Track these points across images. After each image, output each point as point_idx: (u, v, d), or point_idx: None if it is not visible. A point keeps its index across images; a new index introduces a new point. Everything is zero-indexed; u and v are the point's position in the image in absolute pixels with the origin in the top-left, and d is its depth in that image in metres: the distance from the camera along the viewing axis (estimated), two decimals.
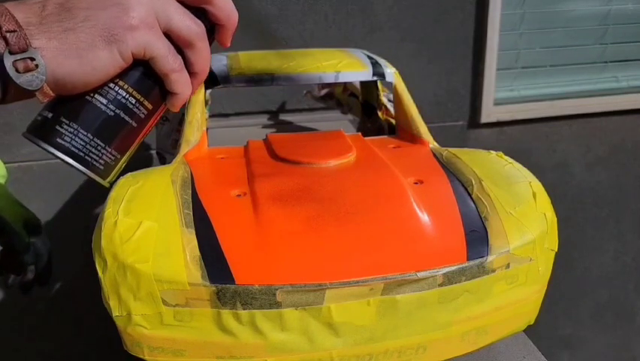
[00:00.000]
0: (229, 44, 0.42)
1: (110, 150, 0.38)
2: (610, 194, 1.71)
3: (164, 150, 0.87)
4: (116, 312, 0.43)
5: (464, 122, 1.51)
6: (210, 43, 0.41)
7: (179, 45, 0.38)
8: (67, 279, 1.38)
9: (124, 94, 0.38)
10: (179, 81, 0.39)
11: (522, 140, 1.57)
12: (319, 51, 0.77)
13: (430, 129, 0.69)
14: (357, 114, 0.97)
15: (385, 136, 0.74)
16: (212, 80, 0.69)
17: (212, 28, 0.41)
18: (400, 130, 0.72)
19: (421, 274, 0.44)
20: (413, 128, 0.68)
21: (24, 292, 0.73)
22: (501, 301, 0.48)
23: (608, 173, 1.68)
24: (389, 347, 0.45)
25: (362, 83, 0.90)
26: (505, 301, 0.48)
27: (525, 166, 0.57)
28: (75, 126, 0.37)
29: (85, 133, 0.37)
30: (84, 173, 0.38)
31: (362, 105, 0.91)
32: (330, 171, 0.57)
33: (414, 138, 0.68)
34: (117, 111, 0.38)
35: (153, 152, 1.31)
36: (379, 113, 0.84)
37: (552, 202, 0.53)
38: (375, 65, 0.73)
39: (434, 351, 0.47)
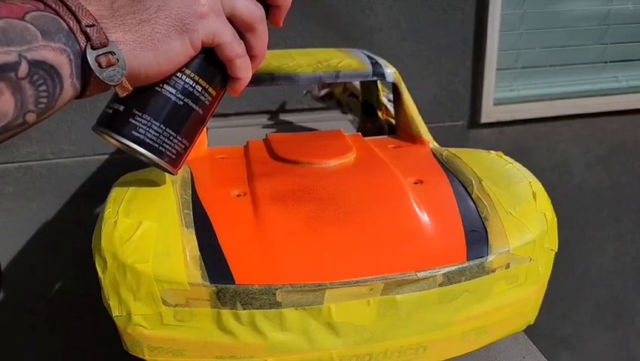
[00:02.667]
0: (282, 25, 0.43)
1: (180, 138, 0.39)
2: (610, 194, 1.71)
3: None
4: (116, 312, 0.43)
5: (464, 122, 1.51)
6: None
7: (241, 29, 0.38)
8: (67, 278, 1.38)
9: (191, 82, 0.38)
10: (243, 66, 0.39)
11: (522, 140, 1.57)
12: (319, 51, 0.77)
13: (430, 129, 0.69)
14: (357, 114, 0.97)
15: (385, 136, 0.74)
16: None
17: (267, 9, 0.41)
18: (399, 130, 0.72)
19: (421, 274, 0.44)
20: (413, 128, 0.68)
21: None
22: (501, 301, 0.48)
23: (608, 173, 1.68)
24: (389, 347, 0.45)
25: (362, 83, 0.90)
26: (505, 301, 0.48)
27: (525, 166, 0.57)
28: (148, 118, 0.37)
29: (158, 124, 0.37)
30: (157, 164, 0.38)
31: (362, 105, 0.91)
32: (330, 171, 0.57)
33: (414, 138, 0.68)
34: (186, 100, 0.38)
35: None
36: (379, 113, 0.84)
37: (552, 202, 0.53)
38: (375, 65, 0.73)
39: (434, 351, 0.47)
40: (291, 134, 0.70)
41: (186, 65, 0.38)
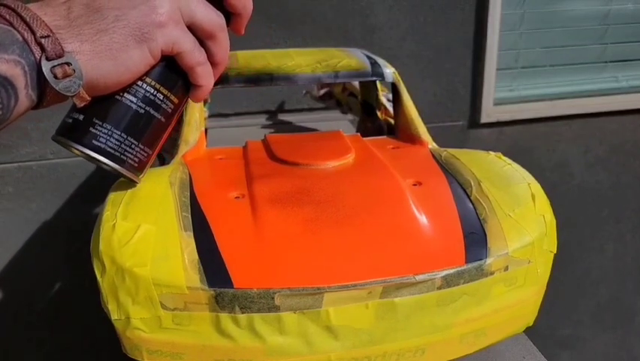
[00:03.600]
0: (243, 32, 0.43)
1: (142, 146, 0.39)
2: (610, 194, 1.71)
3: (163, 150, 0.87)
4: (114, 315, 0.43)
5: (464, 122, 1.51)
6: None
7: (202, 37, 0.39)
8: (67, 279, 1.38)
9: (152, 90, 0.38)
10: (204, 74, 0.39)
11: (522, 140, 1.57)
12: (318, 51, 0.77)
13: (430, 129, 0.69)
14: (356, 114, 0.97)
15: (384, 136, 0.74)
16: None
17: (227, 17, 0.41)
18: (399, 130, 0.72)
19: (419, 277, 0.43)
20: (412, 128, 0.68)
21: None
22: (500, 304, 0.48)
23: (608, 173, 1.68)
24: (388, 350, 0.45)
25: (361, 83, 0.90)
26: (503, 304, 0.48)
27: (525, 166, 0.57)
28: (108, 127, 0.37)
29: (119, 133, 0.37)
30: (119, 172, 0.39)
31: (361, 105, 0.91)
32: (329, 173, 0.57)
33: (413, 139, 0.68)
34: (147, 108, 0.38)
35: None
36: (378, 114, 0.84)
37: (552, 203, 0.53)
38: (374, 64, 0.73)
39: (433, 354, 0.47)
40: (289, 134, 0.69)
41: (147, 74, 0.38)
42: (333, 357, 0.44)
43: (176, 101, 0.40)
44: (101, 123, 0.37)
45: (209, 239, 0.45)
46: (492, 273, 0.46)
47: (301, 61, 0.72)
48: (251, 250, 0.44)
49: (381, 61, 0.75)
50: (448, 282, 0.44)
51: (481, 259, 0.46)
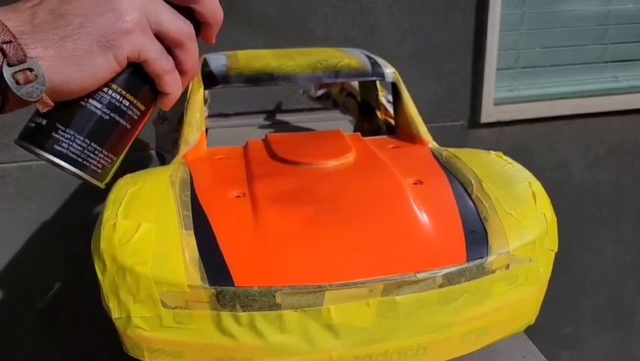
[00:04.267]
0: (214, 42, 0.43)
1: (106, 152, 0.39)
2: (610, 194, 1.71)
3: (163, 149, 0.87)
4: (115, 314, 0.43)
5: (464, 122, 1.51)
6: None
7: (170, 46, 0.39)
8: (67, 278, 1.38)
9: (117, 97, 0.38)
10: (171, 82, 0.39)
11: (522, 140, 1.57)
12: (318, 50, 0.77)
13: (430, 129, 0.69)
14: (353, 115, 0.97)
15: (385, 136, 0.74)
16: (211, 80, 0.69)
17: (198, 25, 0.41)
18: (399, 130, 0.72)
19: (420, 275, 0.43)
20: (412, 128, 0.68)
21: None
22: (501, 302, 0.48)
23: (608, 173, 1.68)
24: (389, 349, 0.45)
25: (361, 83, 0.90)
26: (505, 302, 0.48)
27: (525, 166, 0.57)
28: (71, 132, 0.37)
29: (81, 138, 0.37)
30: (82, 177, 0.38)
31: (360, 105, 0.90)
32: (330, 172, 0.57)
33: (413, 138, 0.68)
34: (112, 115, 0.38)
35: (153, 152, 1.31)
36: (378, 114, 0.83)
37: (552, 202, 0.53)
38: (374, 64, 0.73)
39: (434, 352, 0.47)
40: (290, 134, 0.69)
41: (113, 80, 0.38)
42: (335, 356, 0.44)
43: (142, 107, 0.40)
44: (63, 128, 0.37)
45: (209, 238, 0.45)
46: (493, 271, 0.46)
47: (301, 61, 0.72)
48: (252, 249, 0.44)
49: (381, 61, 0.75)
50: (449, 280, 0.44)
51: (482, 258, 0.46)
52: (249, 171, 0.57)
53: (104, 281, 0.43)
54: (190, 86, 0.68)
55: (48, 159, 0.37)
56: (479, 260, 0.45)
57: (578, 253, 1.73)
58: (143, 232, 0.44)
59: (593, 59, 1.59)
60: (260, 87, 1.31)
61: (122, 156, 0.41)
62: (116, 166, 0.40)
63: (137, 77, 0.39)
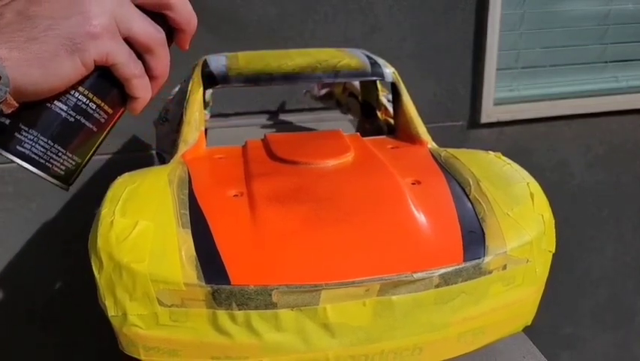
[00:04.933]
0: (188, 48, 0.43)
1: (70, 155, 0.39)
2: (610, 194, 1.70)
3: (164, 150, 0.87)
4: (111, 312, 0.43)
5: (464, 122, 1.51)
6: (169, 47, 0.41)
7: (140, 51, 0.39)
8: (67, 278, 1.39)
9: (84, 100, 0.38)
10: (140, 86, 0.39)
11: (522, 140, 1.57)
12: (318, 51, 0.77)
13: (430, 129, 0.69)
14: (356, 114, 0.97)
15: (384, 136, 0.74)
16: (212, 81, 0.69)
17: (171, 31, 0.42)
18: (398, 130, 0.72)
19: (417, 275, 0.43)
20: (412, 128, 0.68)
21: None
22: (498, 303, 0.48)
23: (608, 173, 1.68)
24: (385, 348, 0.45)
25: (361, 83, 0.90)
26: (502, 303, 0.48)
27: (525, 166, 0.57)
28: (35, 133, 0.37)
29: (45, 140, 0.37)
30: (44, 179, 0.38)
31: (361, 105, 0.91)
32: (328, 171, 0.57)
33: (412, 138, 0.68)
34: (77, 117, 0.38)
35: (153, 152, 1.31)
36: (378, 114, 0.84)
37: (551, 202, 0.53)
38: (374, 64, 0.73)
39: (430, 352, 0.47)
40: (289, 133, 0.70)
41: (81, 83, 0.38)
42: (331, 355, 0.44)
43: (110, 111, 0.40)
44: (27, 129, 0.37)
45: (206, 236, 0.45)
46: (490, 272, 0.46)
47: (301, 61, 0.72)
48: (248, 247, 0.44)
49: (381, 61, 0.75)
50: (446, 280, 0.44)
51: (479, 258, 0.46)
52: (247, 170, 0.57)
53: (101, 279, 0.43)
54: (190, 85, 0.68)
55: (10, 158, 0.37)
56: (476, 260, 0.45)
57: (578, 253, 1.73)
58: (140, 229, 0.44)
59: (593, 59, 1.59)
60: (260, 87, 1.31)
61: (87, 159, 0.41)
62: (81, 168, 0.40)
63: (106, 80, 0.39)
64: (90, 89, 0.38)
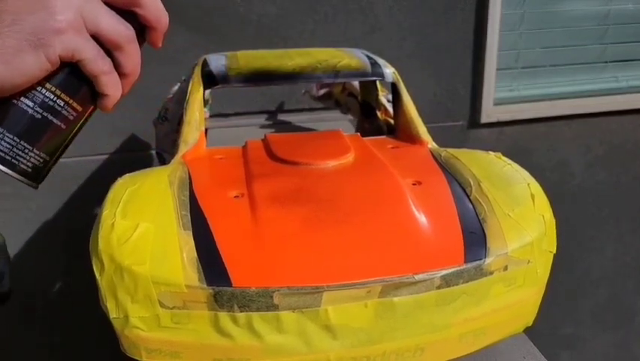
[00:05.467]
0: (160, 45, 0.43)
1: (37, 152, 0.38)
2: (610, 194, 1.70)
3: (163, 150, 0.87)
4: (113, 314, 0.43)
5: (464, 122, 1.51)
6: (141, 45, 0.41)
7: (109, 48, 0.39)
8: (67, 278, 1.38)
9: (51, 96, 0.38)
10: (109, 83, 0.39)
11: (522, 140, 1.57)
12: (318, 50, 0.77)
13: (430, 129, 0.69)
14: (355, 114, 0.97)
15: (384, 136, 0.74)
16: (211, 80, 0.69)
17: (143, 29, 0.41)
18: (398, 130, 0.72)
19: (418, 277, 0.43)
20: (412, 128, 0.68)
21: None
22: (499, 304, 0.48)
23: (608, 173, 1.68)
24: (387, 349, 0.45)
25: (361, 83, 0.90)
26: (503, 304, 0.48)
27: (525, 166, 0.57)
28: (0, 130, 0.37)
29: (11, 136, 0.37)
30: (12, 177, 0.38)
31: (361, 105, 0.90)
32: (328, 172, 0.57)
33: (413, 139, 0.68)
34: (45, 114, 0.38)
35: (153, 152, 1.31)
36: (378, 114, 0.83)
37: (552, 202, 0.53)
38: (374, 64, 0.73)
39: (432, 353, 0.47)
40: (289, 134, 0.70)
41: (48, 79, 0.37)
42: (332, 356, 0.44)
43: (79, 108, 0.39)
44: None
45: (208, 238, 0.45)
46: (491, 273, 0.46)
47: (301, 61, 0.72)
48: (250, 249, 0.44)
49: (381, 61, 0.75)
50: (447, 281, 0.44)
51: (480, 259, 0.46)
52: (247, 171, 0.57)
53: (102, 281, 0.43)
54: (190, 85, 0.68)
55: None
56: (477, 262, 0.45)
57: (578, 253, 1.73)
58: (141, 231, 0.44)
59: (593, 59, 1.59)
60: (260, 87, 1.31)
61: (57, 156, 0.40)
62: (50, 166, 0.40)
63: (74, 77, 0.38)
64: (58, 86, 0.38)
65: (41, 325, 1.40)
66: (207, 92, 0.78)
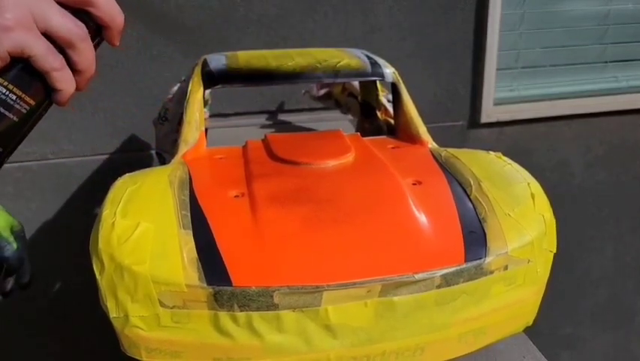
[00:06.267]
0: (117, 44, 0.44)
1: None
2: (610, 194, 1.71)
3: (163, 150, 0.87)
4: (113, 313, 0.43)
5: (464, 122, 1.51)
6: (100, 43, 0.43)
7: (61, 45, 0.40)
8: (67, 278, 1.38)
9: (4, 90, 0.39)
10: (61, 79, 0.40)
11: (522, 140, 1.57)
12: (318, 50, 0.77)
13: (430, 129, 0.69)
14: (355, 115, 0.97)
15: (384, 136, 0.74)
16: (211, 80, 0.69)
17: (100, 28, 0.42)
18: (399, 130, 0.72)
19: (418, 276, 0.43)
20: (412, 128, 0.68)
21: (4, 297, 0.73)
22: (499, 303, 0.48)
23: (608, 173, 1.68)
24: (387, 349, 0.45)
25: (361, 83, 0.90)
26: (503, 303, 0.48)
27: (525, 166, 0.57)
28: None
29: None
30: None
31: (361, 105, 0.91)
32: (329, 172, 0.57)
33: (413, 139, 0.68)
34: None
35: (153, 152, 1.31)
36: (378, 114, 0.84)
37: (552, 202, 0.53)
38: (374, 64, 0.73)
39: (432, 353, 0.47)
40: (289, 134, 0.70)
41: (0, 75, 0.39)
42: (332, 356, 0.44)
43: (32, 102, 0.40)
44: None
45: (208, 237, 0.45)
46: (491, 272, 0.46)
47: (301, 61, 0.72)
48: (250, 248, 0.44)
49: (381, 61, 0.75)
50: (447, 281, 0.44)
51: (480, 258, 0.46)
52: (247, 170, 0.57)
53: (102, 280, 0.43)
54: (190, 85, 0.68)
55: None
56: (477, 261, 0.45)
57: (578, 253, 1.73)
58: (142, 231, 0.44)
59: (593, 59, 1.59)
60: (260, 87, 1.31)
61: (11, 149, 0.41)
62: (4, 158, 0.41)
63: (27, 73, 0.39)
64: (10, 81, 0.39)
65: (41, 324, 1.40)
66: (207, 92, 0.78)
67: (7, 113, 0.39)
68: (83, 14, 0.41)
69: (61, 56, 0.40)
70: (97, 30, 0.42)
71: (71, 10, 0.40)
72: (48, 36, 0.39)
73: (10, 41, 0.37)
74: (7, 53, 0.37)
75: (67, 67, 0.41)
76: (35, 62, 0.39)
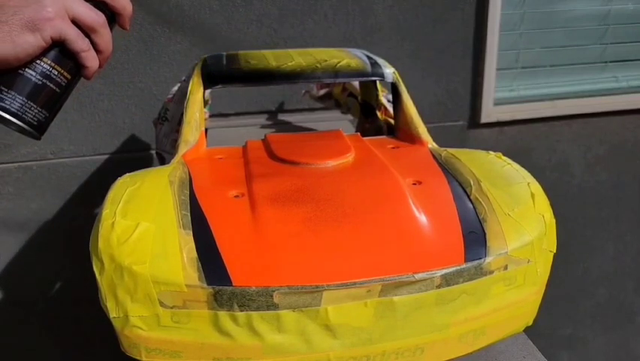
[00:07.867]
0: (128, 28, 0.55)
1: (40, 109, 0.50)
2: (610, 194, 1.70)
3: (163, 150, 0.87)
4: (113, 313, 0.43)
5: (464, 122, 1.51)
6: (113, 28, 0.53)
7: (86, 31, 0.50)
8: (67, 278, 1.38)
9: (48, 67, 0.50)
10: (89, 57, 0.51)
11: (522, 140, 1.57)
12: (318, 50, 0.77)
13: (430, 129, 0.69)
14: (355, 115, 0.97)
15: (384, 136, 0.74)
16: (211, 80, 0.69)
17: (113, 15, 0.53)
18: (398, 130, 0.72)
19: (418, 276, 0.43)
20: (412, 128, 0.68)
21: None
22: (499, 303, 0.48)
23: (608, 173, 1.68)
24: (386, 349, 0.45)
25: (361, 83, 0.90)
26: (503, 303, 0.48)
27: (525, 166, 0.57)
28: (13, 93, 0.48)
29: (21, 97, 0.49)
30: (22, 128, 0.49)
31: (361, 105, 0.90)
32: (329, 172, 0.57)
33: (413, 138, 0.68)
34: (44, 80, 0.50)
35: (153, 152, 1.31)
36: (378, 114, 0.83)
37: (552, 202, 0.53)
38: (374, 65, 0.73)
39: (432, 353, 0.47)
40: (289, 134, 0.70)
41: (44, 55, 0.49)
42: (332, 356, 0.44)
43: (68, 76, 0.51)
44: (7, 90, 0.48)
45: (208, 237, 0.45)
46: (491, 272, 0.46)
47: (301, 61, 0.72)
48: (250, 248, 0.44)
49: (381, 61, 0.75)
50: (447, 281, 0.44)
51: (480, 258, 0.46)
52: (247, 170, 0.57)
53: (102, 280, 0.43)
54: (190, 85, 0.68)
55: None
56: (477, 261, 0.45)
57: (578, 253, 1.73)
58: (142, 231, 0.44)
59: (593, 59, 1.59)
60: (260, 87, 1.31)
61: (54, 113, 0.52)
62: (49, 121, 0.52)
63: (63, 54, 0.50)
64: (52, 60, 0.50)
65: (41, 324, 1.40)
66: (207, 92, 0.78)
67: (52, 85, 0.50)
68: (100, 4, 0.51)
69: (88, 40, 0.50)
70: (111, 17, 0.53)
71: (92, 2, 0.50)
72: (75, 23, 0.49)
73: (52, 29, 0.47)
74: (50, 38, 0.48)
75: (92, 48, 0.51)
76: (69, 45, 0.49)
